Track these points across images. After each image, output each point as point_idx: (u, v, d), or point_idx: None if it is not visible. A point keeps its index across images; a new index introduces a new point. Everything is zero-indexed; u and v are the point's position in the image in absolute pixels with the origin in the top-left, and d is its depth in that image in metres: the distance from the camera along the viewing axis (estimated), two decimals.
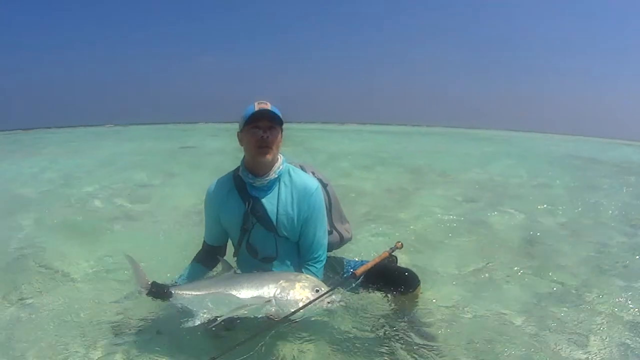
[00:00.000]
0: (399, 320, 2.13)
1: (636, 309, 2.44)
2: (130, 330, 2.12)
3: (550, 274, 2.97)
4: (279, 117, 1.86)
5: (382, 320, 2.13)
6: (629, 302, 2.54)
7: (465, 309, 2.41)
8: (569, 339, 2.13)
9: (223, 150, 11.14)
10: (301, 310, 1.65)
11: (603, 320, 2.31)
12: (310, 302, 1.65)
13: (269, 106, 1.85)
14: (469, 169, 8.47)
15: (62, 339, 2.07)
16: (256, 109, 1.84)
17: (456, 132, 29.38)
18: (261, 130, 1.83)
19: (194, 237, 2.50)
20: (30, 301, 2.51)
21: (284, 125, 1.92)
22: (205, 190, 2.08)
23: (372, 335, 2.05)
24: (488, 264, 3.14)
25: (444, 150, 14.27)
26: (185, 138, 17.95)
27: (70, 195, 5.65)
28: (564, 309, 2.45)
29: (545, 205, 5.13)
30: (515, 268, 3.06)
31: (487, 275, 2.94)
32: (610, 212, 4.99)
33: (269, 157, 1.85)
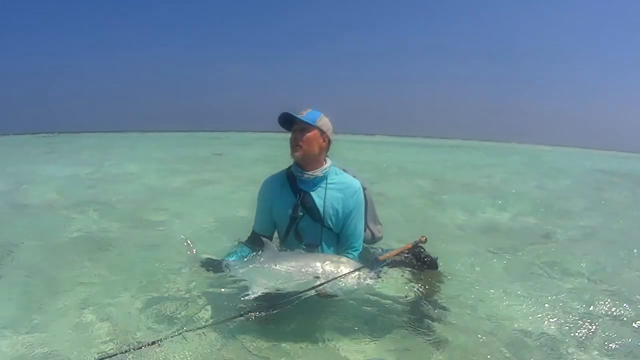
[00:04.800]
0: (416, 303, 2.33)
1: None
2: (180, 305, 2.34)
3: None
4: (299, 119, 2.11)
5: (401, 302, 2.35)
6: None
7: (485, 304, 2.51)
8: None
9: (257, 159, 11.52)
10: (345, 288, 1.89)
11: None
12: (342, 275, 1.88)
13: (303, 113, 2.14)
14: None
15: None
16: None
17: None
18: (294, 132, 2.16)
19: None
20: None
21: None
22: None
23: (388, 315, 2.26)
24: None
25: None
26: (217, 146, 18.71)
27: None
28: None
29: None
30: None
31: None
32: None
33: (297, 154, 2.14)
